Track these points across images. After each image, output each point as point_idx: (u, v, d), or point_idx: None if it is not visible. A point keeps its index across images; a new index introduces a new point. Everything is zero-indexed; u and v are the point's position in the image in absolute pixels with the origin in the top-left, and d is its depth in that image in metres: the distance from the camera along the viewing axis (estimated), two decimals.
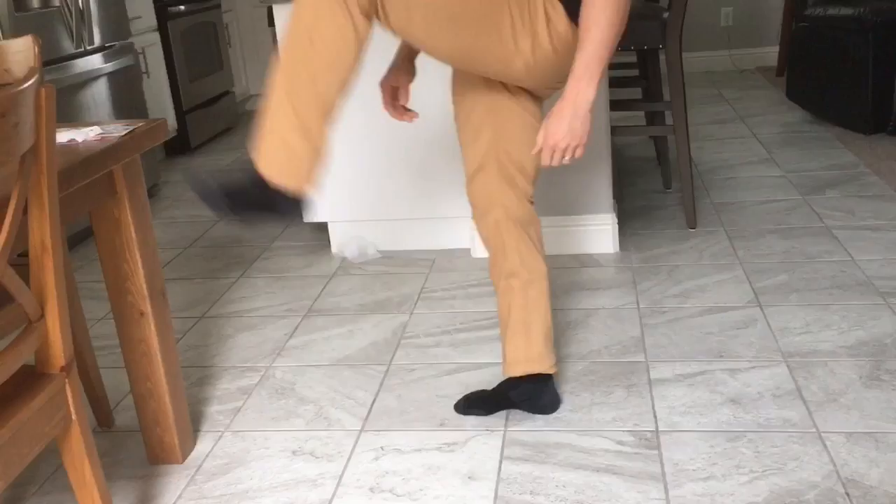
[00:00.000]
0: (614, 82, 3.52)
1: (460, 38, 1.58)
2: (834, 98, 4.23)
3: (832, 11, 4.14)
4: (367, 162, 3.06)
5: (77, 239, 3.47)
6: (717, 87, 5.50)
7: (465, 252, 3.07)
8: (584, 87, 1.57)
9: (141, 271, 1.75)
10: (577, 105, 1.58)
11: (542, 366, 1.95)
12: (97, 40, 3.68)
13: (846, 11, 4.02)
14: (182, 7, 4.82)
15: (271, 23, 3.08)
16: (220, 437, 2.03)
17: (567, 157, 1.63)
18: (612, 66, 3.01)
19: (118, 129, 1.72)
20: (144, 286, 1.77)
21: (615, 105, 3.24)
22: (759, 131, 4.35)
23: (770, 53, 5.91)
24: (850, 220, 3.06)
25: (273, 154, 1.58)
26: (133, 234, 1.73)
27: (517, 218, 1.86)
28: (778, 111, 4.70)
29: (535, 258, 1.91)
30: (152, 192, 4.11)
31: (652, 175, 3.73)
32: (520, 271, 1.90)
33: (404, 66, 1.91)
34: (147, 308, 1.78)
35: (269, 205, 1.59)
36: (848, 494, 1.63)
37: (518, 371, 1.96)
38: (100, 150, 1.55)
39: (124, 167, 1.69)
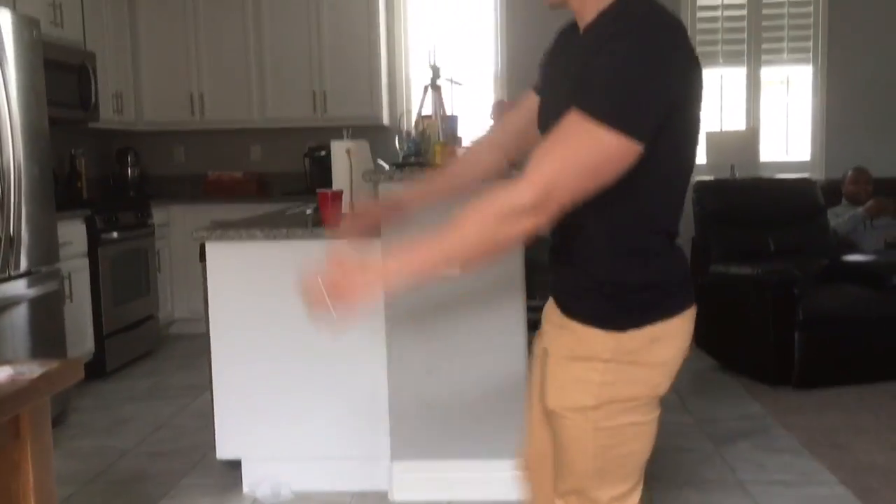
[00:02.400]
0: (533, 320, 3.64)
1: None
2: (740, 349, 4.45)
3: (733, 270, 4.46)
4: (284, 397, 3.03)
5: None
6: None
7: (382, 496, 3.00)
8: (397, 261, 1.40)
9: None
10: (379, 265, 1.40)
11: None
12: (23, 266, 3.68)
13: (745, 271, 4.34)
14: (115, 234, 4.90)
15: (202, 258, 3.16)
16: None
17: (330, 299, 1.38)
18: (531, 309, 3.14)
19: (31, 370, 1.69)
20: None
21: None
22: None
23: None
24: (762, 473, 3.12)
25: None
26: (31, 480, 1.65)
27: None
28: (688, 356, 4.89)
29: None
30: (59, 419, 3.95)
31: None
32: None
33: (404, 209, 1.82)
34: None
35: None
36: None
37: None
38: (9, 394, 1.52)
39: (32, 410, 1.65)
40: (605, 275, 1.53)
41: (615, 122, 1.33)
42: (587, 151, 1.36)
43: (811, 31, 6.07)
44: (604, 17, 1.50)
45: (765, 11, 6.07)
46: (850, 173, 5.40)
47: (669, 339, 1.54)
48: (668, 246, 1.56)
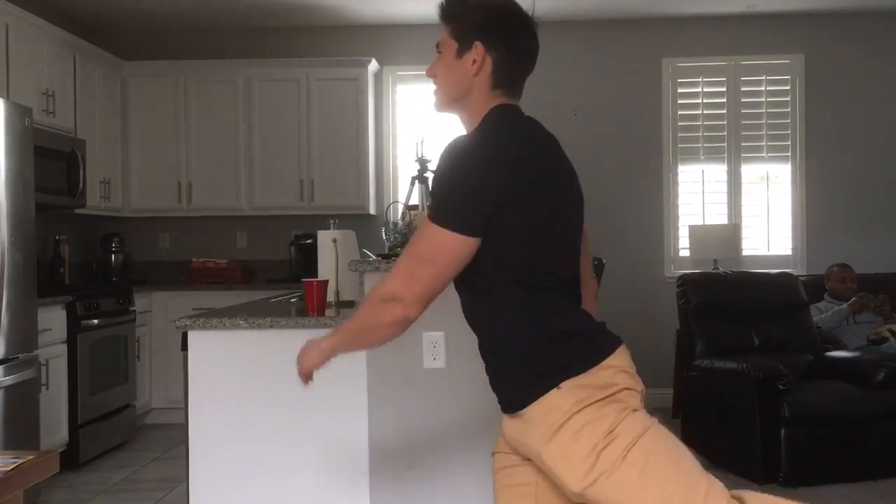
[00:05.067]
0: None
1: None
2: (726, 446, 4.40)
3: (718, 364, 4.45)
4: (264, 492, 2.95)
5: None
6: None
7: None
8: (328, 340, 1.83)
9: None
10: (315, 341, 1.85)
11: None
12: (1, 353, 3.62)
13: (730, 365, 4.33)
14: (96, 321, 4.85)
15: (184, 347, 3.12)
16: None
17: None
18: None
19: (4, 462, 1.65)
20: None
21: None
22: None
23: (666, 395, 6.18)
24: None
25: None
26: None
27: None
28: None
29: None
30: None
31: None
32: None
33: None
34: None
35: None
36: None
37: None
38: None
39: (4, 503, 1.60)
40: (520, 352, 1.73)
41: (441, 220, 1.65)
42: (424, 246, 1.69)
43: (789, 131, 6.24)
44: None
45: (744, 111, 6.25)
46: (835, 270, 5.44)
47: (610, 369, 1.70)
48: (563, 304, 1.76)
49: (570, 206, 1.81)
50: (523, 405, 1.71)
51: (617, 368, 1.70)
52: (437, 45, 1.84)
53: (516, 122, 1.76)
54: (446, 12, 1.81)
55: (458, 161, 1.68)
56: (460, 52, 1.77)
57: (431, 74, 1.85)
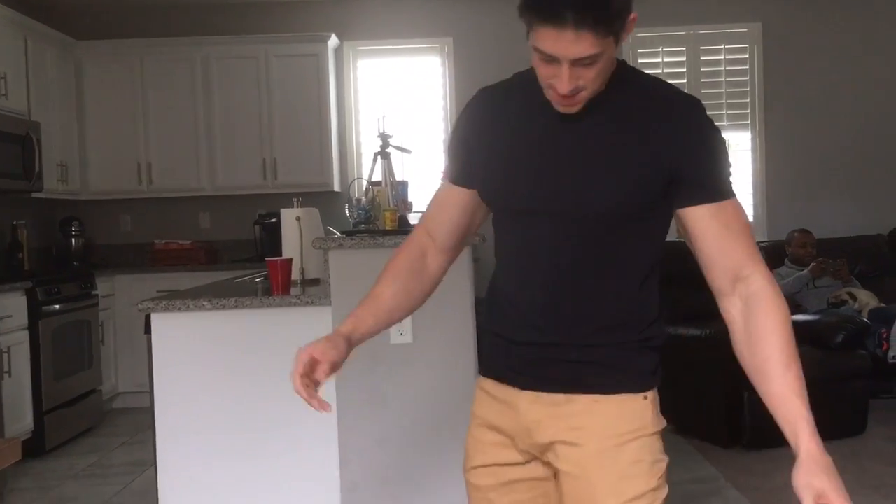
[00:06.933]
0: None
1: None
2: (691, 411, 4.46)
3: (682, 331, 4.51)
4: (232, 474, 2.94)
5: None
6: None
7: None
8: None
9: None
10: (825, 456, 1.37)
11: None
12: None
13: (694, 332, 4.38)
14: (57, 306, 4.78)
15: (147, 330, 3.09)
16: None
17: None
18: None
19: None
20: None
21: None
22: None
23: None
24: None
25: None
26: None
27: None
28: None
29: None
30: None
31: None
32: None
33: (341, 345, 1.53)
34: None
35: None
36: None
37: None
38: None
39: None
40: (644, 330, 1.56)
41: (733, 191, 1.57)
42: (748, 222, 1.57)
43: (748, 99, 6.30)
44: (613, 87, 1.51)
45: (703, 80, 6.29)
46: (796, 236, 5.53)
47: None
48: None
49: None
50: (613, 391, 1.55)
51: None
52: (585, 59, 1.38)
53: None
54: (602, 21, 1.34)
55: (714, 127, 1.61)
56: (618, 40, 1.41)
57: (583, 86, 1.43)
